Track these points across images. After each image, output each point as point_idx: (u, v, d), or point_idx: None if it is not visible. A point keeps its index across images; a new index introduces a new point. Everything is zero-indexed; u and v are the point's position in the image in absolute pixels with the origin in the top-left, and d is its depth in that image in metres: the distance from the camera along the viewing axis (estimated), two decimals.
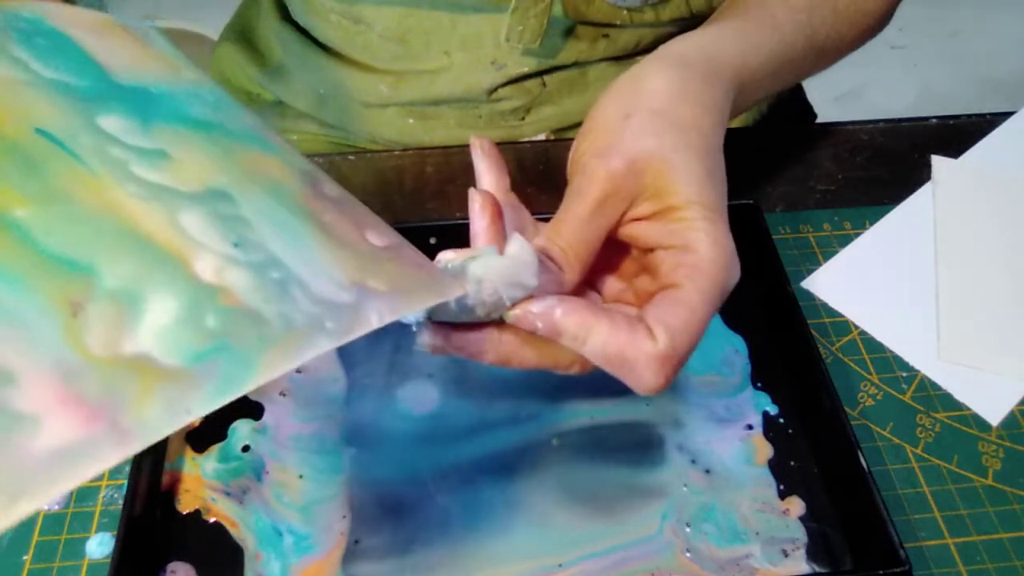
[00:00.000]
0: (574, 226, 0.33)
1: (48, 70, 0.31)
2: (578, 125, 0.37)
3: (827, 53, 0.49)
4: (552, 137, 0.62)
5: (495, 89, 0.59)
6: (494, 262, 0.31)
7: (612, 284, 0.36)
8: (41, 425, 0.23)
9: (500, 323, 0.32)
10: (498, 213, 0.32)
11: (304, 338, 0.28)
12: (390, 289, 0.31)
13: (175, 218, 0.29)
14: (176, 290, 0.27)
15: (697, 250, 0.32)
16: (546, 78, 0.59)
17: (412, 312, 0.31)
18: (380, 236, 0.32)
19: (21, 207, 0.27)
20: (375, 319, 0.29)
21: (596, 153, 0.34)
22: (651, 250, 0.34)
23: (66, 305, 0.25)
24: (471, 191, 0.33)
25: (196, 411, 0.25)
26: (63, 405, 0.24)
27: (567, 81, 0.60)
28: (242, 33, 0.68)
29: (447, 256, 0.32)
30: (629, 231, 0.34)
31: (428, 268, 0.32)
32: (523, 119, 0.61)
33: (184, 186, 0.30)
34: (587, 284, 0.36)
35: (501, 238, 0.32)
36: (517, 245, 0.31)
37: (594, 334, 0.31)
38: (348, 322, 0.29)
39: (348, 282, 0.30)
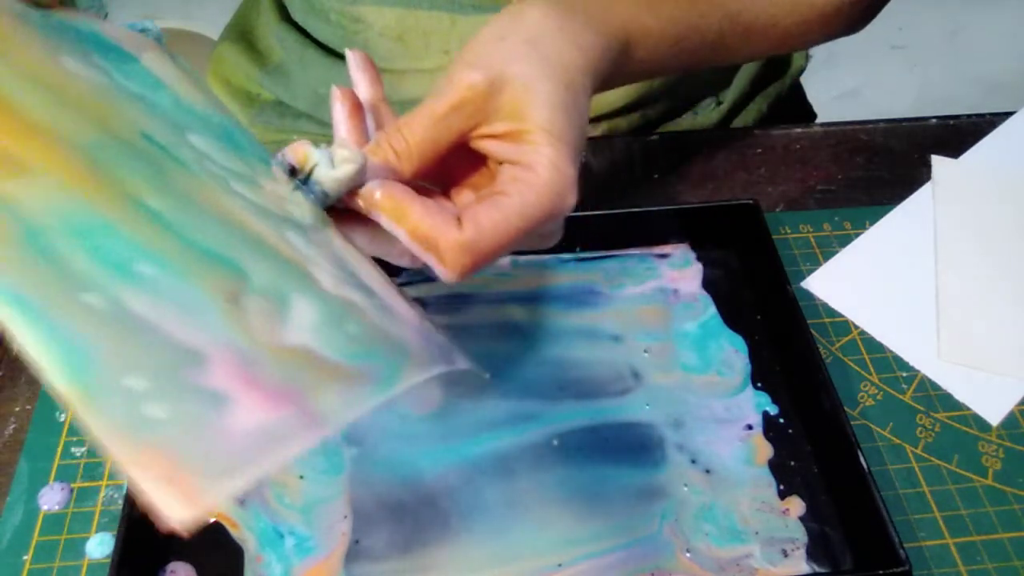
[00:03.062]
0: (423, 123, 0.35)
1: (129, 82, 0.31)
2: None
3: (758, 34, 0.49)
4: None
5: None
6: (327, 174, 0.33)
7: (466, 196, 0.38)
8: (234, 406, 0.23)
9: (332, 209, 0.35)
10: (356, 107, 0.36)
11: (422, 361, 0.29)
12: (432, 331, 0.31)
13: (283, 234, 0.29)
14: (312, 296, 0.27)
15: (534, 170, 0.34)
16: None
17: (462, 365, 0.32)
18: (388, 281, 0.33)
19: (154, 198, 0.26)
20: (460, 360, 0.31)
21: (464, 64, 0.36)
22: (500, 164, 0.36)
23: (223, 294, 0.25)
24: (333, 87, 0.36)
25: (366, 405, 0.25)
26: (249, 387, 0.24)
27: None
28: (242, 33, 0.68)
29: (296, 154, 0.34)
30: (483, 145, 0.36)
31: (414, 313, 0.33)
32: None
33: (276, 211, 0.30)
34: (444, 195, 0.38)
35: (360, 132, 0.36)
36: (346, 153, 0.33)
37: (408, 215, 0.33)
38: (444, 353, 0.30)
39: (414, 318, 0.31)
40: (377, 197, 0.34)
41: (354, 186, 0.34)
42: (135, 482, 0.21)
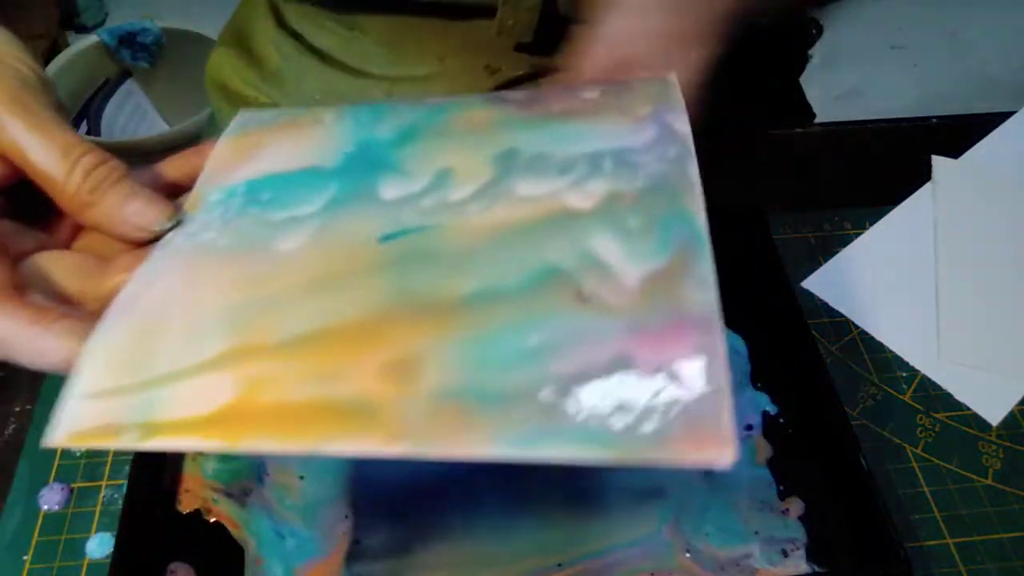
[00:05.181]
0: None
1: (334, 204, 0.31)
2: None
3: None
4: None
5: None
6: None
7: None
8: (673, 369, 0.24)
9: None
10: None
11: (692, 178, 0.30)
12: None
13: (513, 192, 0.30)
14: (596, 231, 0.28)
15: None
16: (541, 82, 0.59)
17: None
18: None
19: (460, 278, 0.27)
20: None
21: None
22: None
23: (571, 297, 0.26)
24: None
25: (706, 267, 0.26)
26: (656, 342, 0.25)
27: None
28: (239, 39, 0.68)
29: None
30: None
31: None
32: None
33: (473, 183, 0.31)
34: None
35: None
36: None
37: None
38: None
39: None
40: None
41: None
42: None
